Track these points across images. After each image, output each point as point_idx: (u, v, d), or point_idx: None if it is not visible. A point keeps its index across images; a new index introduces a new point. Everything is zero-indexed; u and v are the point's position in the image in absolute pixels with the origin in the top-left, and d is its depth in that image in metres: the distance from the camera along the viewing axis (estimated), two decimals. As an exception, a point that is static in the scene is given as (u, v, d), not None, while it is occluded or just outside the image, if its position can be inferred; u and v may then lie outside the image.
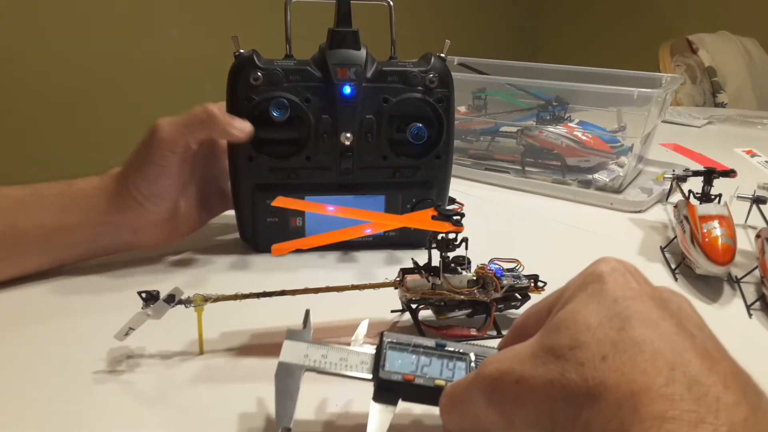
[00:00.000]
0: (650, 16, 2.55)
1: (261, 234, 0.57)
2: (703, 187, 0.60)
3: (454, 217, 0.44)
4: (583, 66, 0.98)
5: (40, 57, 1.78)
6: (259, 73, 0.52)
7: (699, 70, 1.70)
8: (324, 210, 0.46)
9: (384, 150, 0.56)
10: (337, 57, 0.54)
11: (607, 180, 0.80)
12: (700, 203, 0.58)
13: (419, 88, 0.55)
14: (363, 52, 0.55)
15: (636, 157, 0.83)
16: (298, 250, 0.52)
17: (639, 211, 0.74)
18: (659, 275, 0.57)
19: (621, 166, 0.83)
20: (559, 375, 0.24)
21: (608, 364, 0.23)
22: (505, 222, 0.72)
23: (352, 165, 0.56)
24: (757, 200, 0.67)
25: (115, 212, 0.51)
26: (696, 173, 0.62)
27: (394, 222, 0.48)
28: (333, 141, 0.54)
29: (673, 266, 0.58)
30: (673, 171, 0.81)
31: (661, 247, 0.62)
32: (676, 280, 0.56)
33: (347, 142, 0.54)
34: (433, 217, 0.45)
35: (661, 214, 0.74)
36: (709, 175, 0.60)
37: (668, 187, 0.78)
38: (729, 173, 0.61)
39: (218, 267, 0.56)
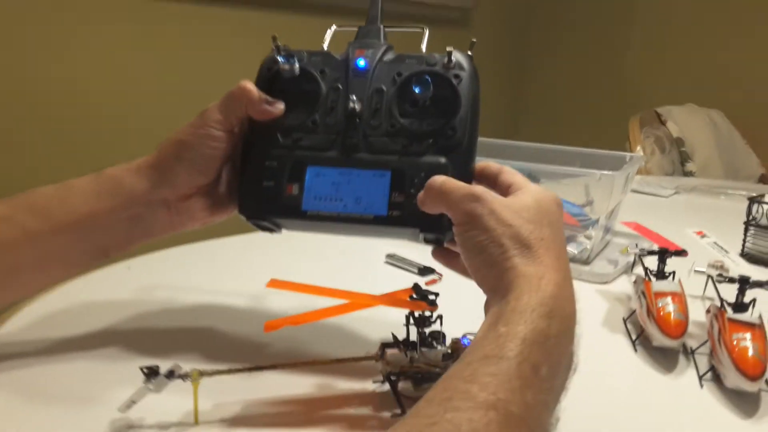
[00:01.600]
0: (620, 89, 2.69)
1: (255, 199, 0.53)
2: (658, 265, 0.65)
3: (430, 297, 0.49)
4: (556, 144, 1.06)
5: (25, 85, 1.78)
6: (283, 54, 0.53)
7: (667, 140, 1.79)
8: (316, 292, 0.50)
9: (392, 119, 0.52)
10: (359, 42, 0.55)
11: (576, 252, 0.85)
12: (656, 280, 0.63)
13: (437, 67, 0.53)
14: (386, 43, 0.55)
15: (603, 229, 0.89)
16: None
17: (605, 282, 0.79)
18: (621, 345, 0.62)
19: (589, 238, 0.89)
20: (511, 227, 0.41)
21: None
22: (476, 293, 0.77)
23: (358, 132, 0.52)
24: (711, 275, 0.72)
25: (149, 188, 0.52)
26: (651, 252, 0.67)
27: (372, 301, 0.51)
28: (341, 108, 0.53)
29: (634, 337, 0.62)
30: (636, 245, 0.87)
31: (623, 318, 0.67)
32: (635, 350, 0.61)
33: (355, 106, 0.52)
34: (410, 297, 0.49)
35: (626, 285, 0.79)
36: (663, 254, 0.65)
37: (632, 259, 0.84)
38: (681, 253, 0.67)
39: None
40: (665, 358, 0.59)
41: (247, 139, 0.54)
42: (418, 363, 0.48)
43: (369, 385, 0.51)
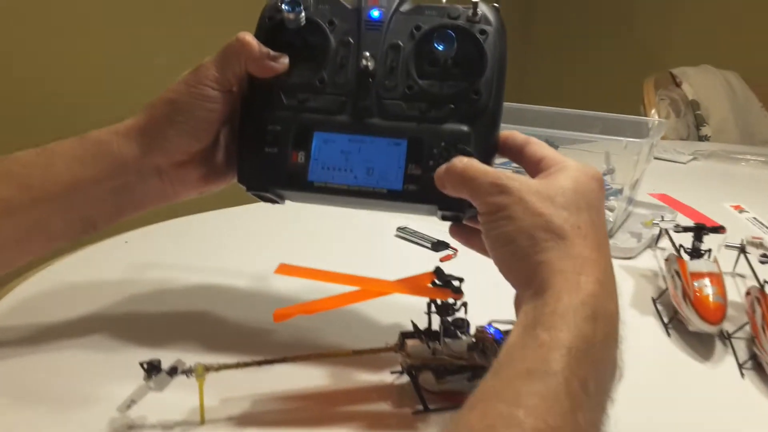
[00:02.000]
0: (634, 49, 2.61)
1: (255, 168, 0.48)
2: (693, 243, 0.61)
3: (454, 283, 0.45)
4: (570, 107, 1.00)
5: (20, 87, 1.76)
6: (288, 2, 0.47)
7: (683, 103, 1.73)
8: (329, 279, 0.46)
9: (410, 80, 0.46)
10: None
11: (598, 225, 0.81)
12: (690, 258, 0.59)
13: (460, 21, 0.47)
14: None
15: (626, 200, 0.84)
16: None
17: (629, 258, 0.75)
18: (652, 328, 0.58)
19: (611, 209, 0.84)
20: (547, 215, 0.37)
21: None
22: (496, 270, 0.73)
23: (371, 94, 0.47)
24: (743, 249, 0.68)
25: (139, 154, 0.47)
26: (686, 229, 0.63)
27: (390, 288, 0.46)
28: (353, 66, 0.47)
29: (666, 320, 0.58)
30: (662, 217, 0.82)
31: (653, 298, 0.63)
32: (669, 335, 0.57)
33: (368, 63, 0.46)
34: (432, 283, 0.45)
35: (651, 260, 0.75)
36: (699, 231, 0.61)
37: (657, 232, 0.80)
38: (718, 230, 0.63)
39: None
40: (701, 344, 0.55)
41: (247, 99, 0.49)
42: (441, 355, 0.45)
43: (387, 377, 0.48)
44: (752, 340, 0.53)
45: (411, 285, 0.46)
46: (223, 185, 0.52)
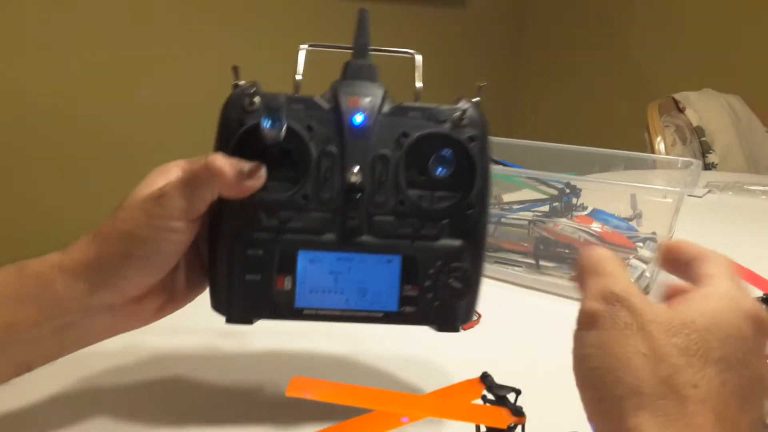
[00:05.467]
0: (633, 74, 2.57)
1: (236, 297, 0.43)
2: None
3: (509, 397, 0.36)
4: (569, 132, 0.94)
5: (7, 117, 1.69)
6: (256, 98, 0.42)
7: (688, 130, 1.68)
8: (349, 400, 0.37)
9: (401, 196, 0.43)
10: (350, 87, 0.44)
11: (632, 280, 0.73)
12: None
13: (446, 125, 0.44)
14: (381, 87, 0.45)
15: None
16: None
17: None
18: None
19: (642, 260, 0.76)
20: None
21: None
22: (525, 340, 0.64)
23: (360, 213, 0.43)
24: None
25: (87, 293, 0.40)
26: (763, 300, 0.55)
27: (424, 411, 0.36)
28: (338, 179, 0.43)
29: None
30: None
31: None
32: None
33: (355, 180, 0.42)
34: (482, 398, 0.36)
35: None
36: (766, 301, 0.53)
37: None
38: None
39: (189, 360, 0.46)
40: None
41: (218, 218, 0.42)
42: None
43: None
44: None
45: (452, 404, 0.37)
46: (183, 305, 0.46)
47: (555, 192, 0.81)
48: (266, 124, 0.40)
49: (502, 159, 0.89)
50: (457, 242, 0.44)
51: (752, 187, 1.29)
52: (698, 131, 1.70)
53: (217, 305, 0.44)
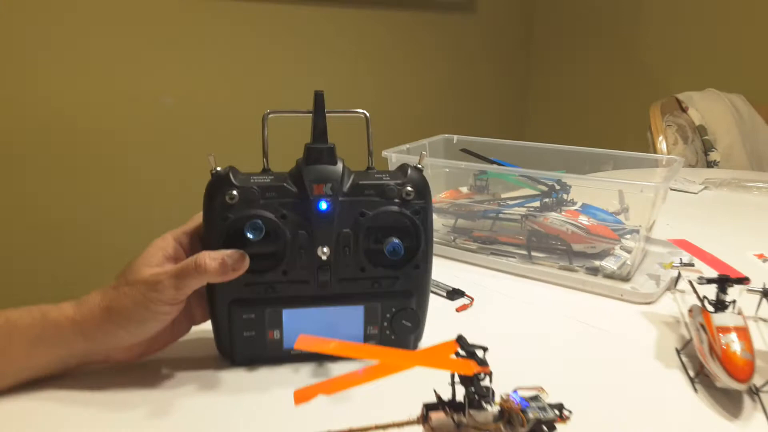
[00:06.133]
0: (637, 74, 2.60)
1: (238, 348, 0.56)
2: (717, 294, 0.60)
3: (478, 353, 0.44)
4: (573, 134, 1.00)
5: (28, 127, 1.76)
6: (235, 192, 0.53)
7: (690, 129, 1.73)
8: (345, 351, 0.45)
9: (362, 262, 0.56)
10: (314, 173, 0.54)
11: (615, 268, 0.80)
12: (715, 311, 0.58)
13: (396, 200, 0.55)
14: (339, 167, 0.55)
15: (644, 240, 0.83)
16: (270, 364, 0.57)
17: (649, 303, 0.74)
18: (679, 383, 0.57)
19: (627, 250, 0.83)
20: None
21: None
22: (516, 321, 0.72)
23: (329, 278, 0.55)
24: (766, 293, 0.67)
25: (91, 347, 0.52)
26: (710, 281, 0.62)
27: (411, 362, 0.46)
28: (310, 255, 0.54)
29: (692, 374, 0.57)
30: (680, 259, 0.81)
31: (677, 349, 0.62)
32: (696, 391, 0.55)
33: (324, 257, 0.54)
34: (456, 354, 0.44)
35: (672, 305, 0.74)
36: (724, 283, 0.60)
37: (676, 274, 0.79)
38: (743, 280, 0.61)
39: (188, 389, 0.54)
40: (729, 401, 0.54)
41: (214, 292, 0.55)
42: (466, 428, 0.43)
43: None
44: (783, 397, 0.52)
45: (433, 357, 0.45)
46: (169, 345, 0.57)
47: (546, 189, 0.88)
48: (251, 234, 0.52)
49: (501, 159, 0.96)
50: (407, 291, 0.57)
51: (748, 184, 1.34)
52: (700, 130, 1.75)
53: (222, 352, 0.57)
